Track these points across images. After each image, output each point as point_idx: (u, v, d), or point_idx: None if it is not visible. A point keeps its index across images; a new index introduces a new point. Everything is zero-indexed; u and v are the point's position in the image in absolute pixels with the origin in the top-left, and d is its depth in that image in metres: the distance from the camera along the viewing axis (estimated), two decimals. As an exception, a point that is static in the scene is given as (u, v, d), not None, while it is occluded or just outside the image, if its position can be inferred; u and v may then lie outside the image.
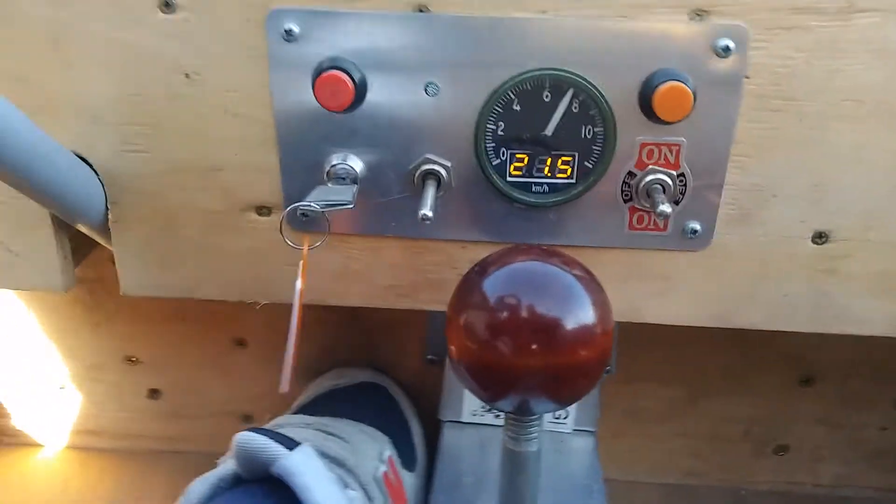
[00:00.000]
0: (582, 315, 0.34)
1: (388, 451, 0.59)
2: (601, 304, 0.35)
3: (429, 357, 0.69)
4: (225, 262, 0.47)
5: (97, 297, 0.72)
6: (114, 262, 0.47)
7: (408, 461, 0.63)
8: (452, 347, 0.36)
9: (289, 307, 0.40)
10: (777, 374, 0.71)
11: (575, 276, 0.35)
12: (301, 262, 0.41)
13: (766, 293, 0.45)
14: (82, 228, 0.46)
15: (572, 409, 0.64)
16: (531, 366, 0.33)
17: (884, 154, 0.41)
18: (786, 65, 0.39)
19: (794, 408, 0.73)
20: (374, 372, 0.71)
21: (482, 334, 0.34)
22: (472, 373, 0.35)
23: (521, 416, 0.38)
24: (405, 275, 0.46)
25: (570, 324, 0.33)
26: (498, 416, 0.65)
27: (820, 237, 0.43)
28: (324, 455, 0.50)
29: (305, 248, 0.40)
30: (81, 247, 0.50)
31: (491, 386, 0.35)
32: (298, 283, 0.40)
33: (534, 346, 0.33)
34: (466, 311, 0.35)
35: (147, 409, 0.77)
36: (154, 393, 0.77)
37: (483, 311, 0.34)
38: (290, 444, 0.41)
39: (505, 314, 0.33)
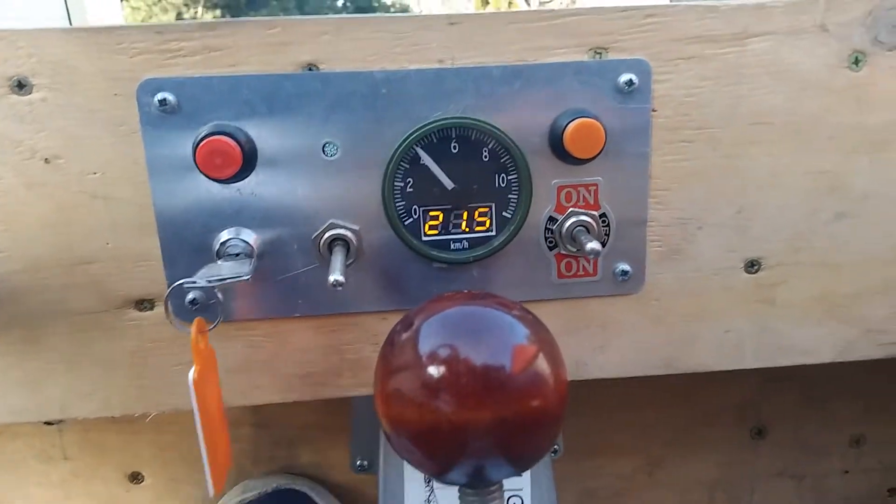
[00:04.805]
0: (530, 360, 0.29)
1: None
2: (549, 346, 0.31)
3: (358, 463, 0.62)
4: (102, 372, 0.40)
5: None
6: None
7: None
8: (385, 420, 0.30)
9: (188, 420, 0.34)
10: (729, 427, 0.69)
11: (515, 316, 0.30)
12: (193, 350, 0.34)
13: (708, 332, 0.43)
14: None
15: (527, 495, 0.58)
16: (479, 421, 0.28)
17: (799, 174, 0.41)
18: (691, 94, 0.39)
19: (752, 463, 0.70)
20: (289, 476, 0.62)
21: (418, 396, 0.29)
22: (415, 442, 0.30)
23: (478, 489, 0.32)
24: (320, 359, 0.41)
25: (517, 370, 0.29)
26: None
27: (752, 265, 0.42)
28: None
29: (194, 330, 0.34)
30: None
31: (438, 453, 0.30)
32: (191, 374, 0.33)
33: (478, 398, 0.28)
34: (395, 375, 0.30)
35: None
36: None
37: (415, 370, 0.29)
38: None
39: (441, 369, 0.29)
